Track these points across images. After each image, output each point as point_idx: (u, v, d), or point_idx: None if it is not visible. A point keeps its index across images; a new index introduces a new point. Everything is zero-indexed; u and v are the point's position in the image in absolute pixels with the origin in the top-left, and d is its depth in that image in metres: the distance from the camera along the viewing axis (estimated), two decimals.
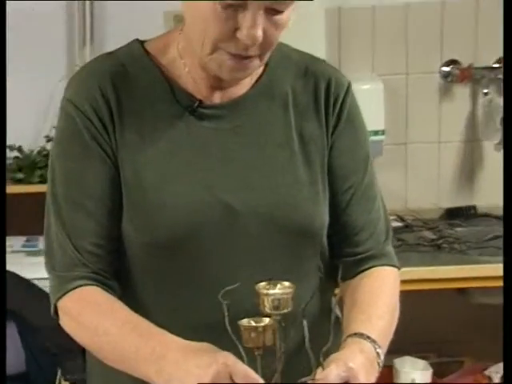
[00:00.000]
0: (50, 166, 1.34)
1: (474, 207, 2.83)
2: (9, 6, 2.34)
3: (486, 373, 2.64)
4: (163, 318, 1.27)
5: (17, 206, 2.43)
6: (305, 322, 1.13)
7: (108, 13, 2.76)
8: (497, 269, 2.37)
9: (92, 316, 1.28)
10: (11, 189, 2.52)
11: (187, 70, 1.32)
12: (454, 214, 2.78)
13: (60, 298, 1.29)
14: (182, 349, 1.18)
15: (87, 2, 2.70)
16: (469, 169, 2.93)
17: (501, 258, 2.40)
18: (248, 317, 1.12)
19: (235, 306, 1.17)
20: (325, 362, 1.13)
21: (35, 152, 2.64)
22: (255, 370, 1.11)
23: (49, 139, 2.63)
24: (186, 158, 1.33)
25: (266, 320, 1.11)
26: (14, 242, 2.62)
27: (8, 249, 2.51)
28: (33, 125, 2.75)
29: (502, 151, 2.83)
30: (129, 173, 1.31)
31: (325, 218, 1.37)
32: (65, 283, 1.29)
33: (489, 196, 2.90)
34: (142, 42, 1.37)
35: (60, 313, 1.31)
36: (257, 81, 1.36)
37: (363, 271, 1.39)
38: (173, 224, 1.30)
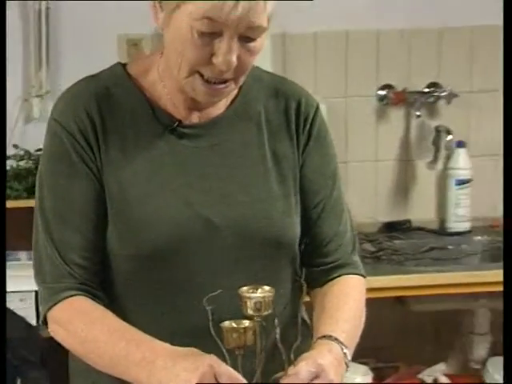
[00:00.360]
0: (38, 182, 1.35)
1: (408, 221, 2.88)
2: None
3: (420, 376, 2.69)
4: (148, 324, 1.29)
5: None
6: (276, 321, 1.18)
7: (63, 36, 2.71)
8: (431, 278, 2.49)
9: (82, 324, 1.29)
10: None
11: (167, 91, 1.34)
12: (391, 228, 2.83)
13: (50, 308, 1.30)
14: (170, 354, 1.19)
15: (43, 25, 2.65)
16: (403, 185, 2.96)
17: (435, 268, 2.56)
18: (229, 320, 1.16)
19: (217, 311, 1.20)
20: (296, 360, 1.16)
21: None
22: (236, 369, 1.14)
23: (7, 156, 2.59)
24: (167, 174, 1.34)
25: (246, 322, 1.14)
26: None
27: None
28: None
29: (434, 169, 2.92)
30: (114, 189, 1.32)
31: (297, 229, 1.38)
32: (54, 294, 1.30)
33: (422, 211, 2.96)
34: (124, 65, 1.39)
35: (50, 322, 1.32)
36: (232, 102, 1.37)
37: (332, 279, 1.41)
38: (156, 237, 1.31)
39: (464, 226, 2.86)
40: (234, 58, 1.23)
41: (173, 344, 1.23)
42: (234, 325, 1.15)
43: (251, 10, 1.20)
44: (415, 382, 2.70)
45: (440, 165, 2.88)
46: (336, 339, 1.27)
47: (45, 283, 1.32)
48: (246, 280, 1.24)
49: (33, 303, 2.48)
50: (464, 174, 2.86)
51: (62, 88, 2.57)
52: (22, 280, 2.38)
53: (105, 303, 1.32)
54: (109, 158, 1.33)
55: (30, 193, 2.48)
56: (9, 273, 2.28)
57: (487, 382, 2.70)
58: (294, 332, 1.27)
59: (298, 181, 1.41)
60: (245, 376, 1.14)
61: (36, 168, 2.42)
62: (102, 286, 1.34)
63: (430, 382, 2.69)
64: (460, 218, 2.87)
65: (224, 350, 1.14)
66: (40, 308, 1.34)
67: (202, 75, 1.26)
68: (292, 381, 1.15)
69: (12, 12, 2.61)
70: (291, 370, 1.16)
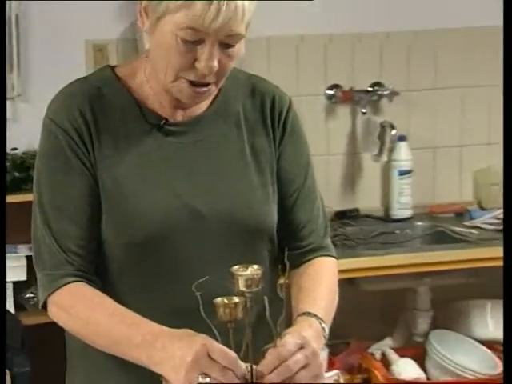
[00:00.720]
0: (35, 178, 1.36)
1: (357, 209, 2.93)
2: None
3: (369, 350, 2.74)
4: (140, 306, 1.30)
5: None
6: (266, 298, 1.21)
7: (33, 42, 2.70)
8: (380, 260, 2.57)
9: (84, 309, 1.31)
10: None
11: (153, 92, 1.36)
12: (342, 216, 2.88)
13: (51, 293, 1.32)
14: (167, 336, 1.22)
15: (13, 30, 2.63)
16: (351, 177, 3.01)
17: (383, 251, 2.63)
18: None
19: (205, 294, 1.22)
20: (281, 333, 1.20)
21: None
22: (228, 341, 1.17)
23: None
24: (156, 169, 1.36)
25: (236, 298, 1.17)
26: None
27: None
28: None
29: (378, 162, 2.96)
30: (108, 183, 1.34)
31: (275, 216, 1.41)
32: (54, 280, 1.32)
33: (368, 200, 3.01)
34: (112, 68, 1.41)
35: (51, 306, 1.33)
36: (213, 101, 1.39)
37: (307, 261, 1.44)
38: (148, 226, 1.33)
39: (407, 213, 2.92)
40: (216, 63, 1.25)
41: (162, 323, 1.25)
42: (226, 301, 1.17)
43: (230, 20, 1.22)
44: (365, 356, 2.73)
45: (384, 157, 2.92)
46: (315, 315, 1.30)
47: (44, 270, 1.34)
48: (230, 264, 1.24)
49: (11, 293, 2.52)
50: (406, 166, 2.92)
51: (33, 91, 2.65)
52: None
53: (99, 288, 1.33)
54: (102, 155, 1.34)
55: (9, 190, 2.44)
56: None
57: (430, 352, 2.71)
58: (274, 308, 1.28)
59: (274, 172, 1.42)
60: (235, 347, 1.17)
61: (12, 167, 2.53)
62: (97, 272, 1.35)
63: (378, 355, 2.73)
64: (403, 205, 2.93)
65: (214, 329, 1.17)
66: (39, 294, 1.36)
67: (186, 79, 1.29)
68: (281, 351, 1.17)
69: None
70: (279, 342, 1.19)
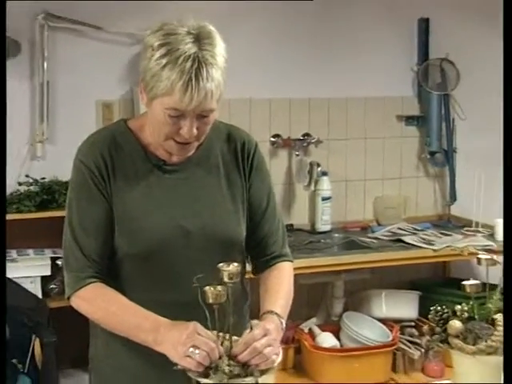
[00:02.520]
0: (67, 204, 1.36)
1: (291, 225, 3.03)
2: None
3: (300, 327, 2.87)
4: (143, 300, 1.29)
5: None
6: (248, 288, 1.34)
7: (58, 100, 2.74)
8: (308, 261, 2.62)
9: (102, 302, 1.31)
10: None
11: (154, 141, 1.34)
12: None
13: (77, 290, 1.31)
14: (167, 324, 1.22)
15: (44, 93, 2.67)
16: (288, 201, 3.09)
17: (311, 255, 2.70)
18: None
19: (197, 292, 1.22)
20: (251, 325, 1.21)
21: (8, 194, 2.56)
22: (214, 318, 1.16)
23: (20, 183, 2.64)
24: (156, 198, 1.34)
25: (220, 287, 1.17)
26: None
27: None
28: (6, 175, 2.53)
29: (308, 190, 3.04)
30: (120, 208, 1.33)
31: (244, 232, 1.39)
32: (79, 280, 1.32)
33: (300, 218, 3.10)
34: (125, 121, 1.39)
35: (75, 299, 1.32)
36: (198, 147, 1.36)
37: (271, 266, 1.42)
38: (150, 241, 1.32)
39: (327, 228, 3.04)
40: (195, 130, 1.25)
41: (160, 312, 1.25)
42: (213, 289, 1.16)
43: (202, 102, 1.21)
44: (297, 331, 2.84)
45: (312, 187, 3.02)
46: (276, 314, 1.29)
47: (72, 272, 1.32)
48: (210, 268, 1.21)
49: (39, 285, 2.55)
50: (326, 193, 3.04)
51: (57, 136, 2.77)
52: (30, 269, 2.55)
53: (112, 287, 1.32)
54: (116, 187, 1.33)
55: (37, 209, 2.54)
56: (21, 264, 2.47)
57: (343, 328, 2.81)
58: (243, 296, 1.38)
59: (245, 200, 1.39)
60: (219, 323, 1.17)
61: (41, 191, 2.56)
62: (110, 275, 1.33)
63: (306, 330, 2.86)
64: (324, 222, 3.05)
65: (206, 311, 1.16)
66: (66, 289, 1.34)
67: (173, 139, 1.28)
68: (249, 338, 1.17)
69: (23, 83, 2.68)
70: (247, 333, 1.19)
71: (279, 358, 1.20)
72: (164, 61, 1.20)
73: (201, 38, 1.22)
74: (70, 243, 1.32)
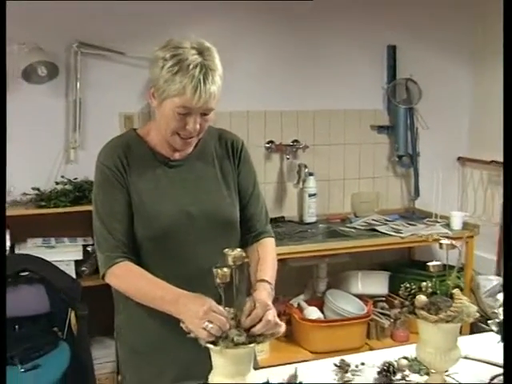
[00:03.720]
0: (93, 199, 1.35)
1: (283, 217, 3.07)
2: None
3: (290, 302, 2.90)
4: (160, 275, 1.29)
5: (38, 220, 2.55)
6: (249, 270, 1.34)
7: (88, 113, 2.75)
8: (297, 248, 2.65)
9: (131, 278, 1.31)
10: (35, 211, 2.52)
11: (160, 143, 1.37)
12: (275, 221, 2.96)
13: (109, 267, 1.31)
14: (187, 296, 1.21)
15: (77, 108, 2.69)
16: (280, 197, 3.12)
17: (300, 242, 2.66)
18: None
19: (201, 263, 1.27)
20: (251, 299, 1.16)
21: (47, 191, 2.63)
22: (220, 297, 1.14)
23: (57, 183, 2.67)
24: (164, 189, 1.36)
25: (225, 269, 1.15)
26: (36, 241, 2.60)
27: (33, 245, 2.56)
28: (46, 176, 2.71)
29: (297, 188, 3.00)
30: (135, 197, 1.34)
31: (237, 213, 1.40)
32: (111, 259, 1.32)
33: (290, 211, 3.12)
34: (135, 129, 1.41)
35: (109, 275, 1.32)
36: (196, 146, 1.38)
37: (257, 241, 1.44)
38: (161, 224, 1.32)
39: (313, 219, 3.05)
40: (198, 126, 1.28)
41: (176, 284, 1.24)
42: (219, 270, 1.15)
43: (206, 101, 1.24)
44: (287, 305, 2.86)
45: (300, 185, 3.03)
46: (267, 281, 1.31)
47: (104, 253, 1.32)
48: (212, 247, 1.24)
49: (73, 267, 2.55)
50: (312, 190, 3.05)
51: (87, 143, 2.80)
52: (66, 254, 2.58)
53: (137, 264, 1.31)
54: (131, 180, 1.34)
55: (71, 204, 2.56)
56: (59, 250, 2.50)
57: (326, 303, 2.84)
58: (243, 277, 1.33)
59: (236, 186, 1.41)
60: (225, 300, 1.15)
61: (74, 189, 2.59)
62: (132, 254, 1.33)
63: (295, 305, 2.87)
64: (311, 214, 3.05)
65: (219, 289, 1.14)
66: (100, 267, 1.33)
67: (178, 134, 1.30)
68: (259, 312, 1.14)
69: (60, 100, 2.71)
70: (253, 307, 1.14)
71: (283, 328, 1.20)
72: (176, 68, 1.23)
73: (202, 51, 1.26)
74: (99, 229, 1.33)
